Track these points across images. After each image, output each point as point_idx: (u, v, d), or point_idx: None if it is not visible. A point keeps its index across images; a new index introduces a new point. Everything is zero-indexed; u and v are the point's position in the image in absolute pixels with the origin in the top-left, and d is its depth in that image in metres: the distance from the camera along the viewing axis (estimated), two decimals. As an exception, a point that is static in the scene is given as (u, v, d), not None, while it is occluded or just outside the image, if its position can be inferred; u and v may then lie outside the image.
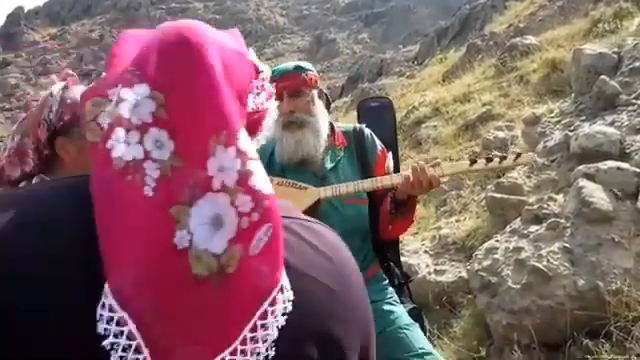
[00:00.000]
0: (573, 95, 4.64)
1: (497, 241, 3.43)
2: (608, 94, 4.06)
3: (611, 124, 3.78)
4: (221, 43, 0.71)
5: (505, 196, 3.87)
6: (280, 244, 0.65)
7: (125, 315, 0.57)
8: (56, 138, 1.51)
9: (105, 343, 0.56)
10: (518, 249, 3.17)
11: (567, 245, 3.00)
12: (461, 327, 3.65)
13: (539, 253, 3.04)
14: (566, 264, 2.93)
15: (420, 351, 2.00)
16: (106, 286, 0.58)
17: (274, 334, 0.62)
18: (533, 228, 3.28)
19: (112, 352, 0.56)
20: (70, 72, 1.61)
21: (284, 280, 0.64)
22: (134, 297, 0.57)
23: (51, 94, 1.53)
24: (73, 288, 0.59)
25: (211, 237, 0.60)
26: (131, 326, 0.57)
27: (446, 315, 3.93)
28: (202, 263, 0.59)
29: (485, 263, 3.28)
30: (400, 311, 2.14)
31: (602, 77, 4.15)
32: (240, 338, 0.61)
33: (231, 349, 0.60)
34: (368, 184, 2.04)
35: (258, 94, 0.78)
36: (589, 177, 3.29)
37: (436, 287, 4.09)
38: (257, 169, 0.65)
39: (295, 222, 0.73)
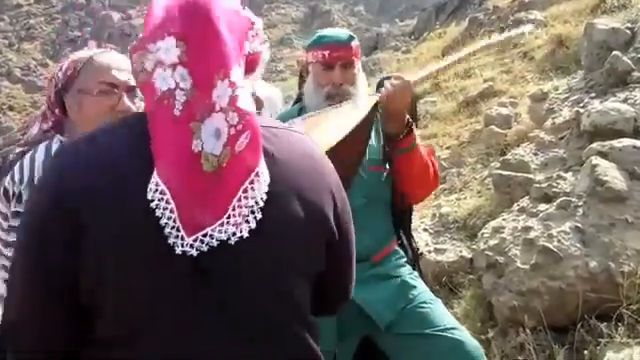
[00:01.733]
0: (583, 71, 4.48)
1: (504, 220, 3.30)
2: (620, 71, 3.92)
3: (624, 101, 3.63)
4: (222, 3, 0.98)
5: (512, 173, 3.73)
6: (258, 144, 0.94)
7: (165, 189, 0.87)
8: (64, 96, 1.53)
9: (155, 209, 0.88)
10: (527, 228, 3.04)
11: (579, 225, 2.88)
12: (463, 308, 3.53)
13: (549, 233, 2.92)
14: (577, 244, 2.81)
15: (446, 325, 1.91)
16: (155, 173, 0.88)
17: (256, 202, 0.92)
18: (542, 207, 3.15)
19: (157, 210, 0.88)
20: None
21: (261, 167, 0.93)
22: (169, 181, 0.87)
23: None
24: (135, 203, 0.89)
25: (214, 144, 0.90)
26: (168, 196, 0.87)
27: (446, 295, 3.80)
28: (209, 162, 0.89)
29: (492, 242, 3.16)
30: (422, 286, 2.04)
31: (615, 53, 4.00)
32: (231, 206, 0.90)
33: (227, 214, 0.90)
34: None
35: (253, 41, 1.03)
36: (602, 155, 3.15)
37: (436, 267, 3.96)
38: (242, 93, 0.94)
39: (272, 129, 1.03)
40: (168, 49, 0.92)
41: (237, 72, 0.94)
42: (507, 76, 6.50)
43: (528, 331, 2.74)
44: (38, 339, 0.94)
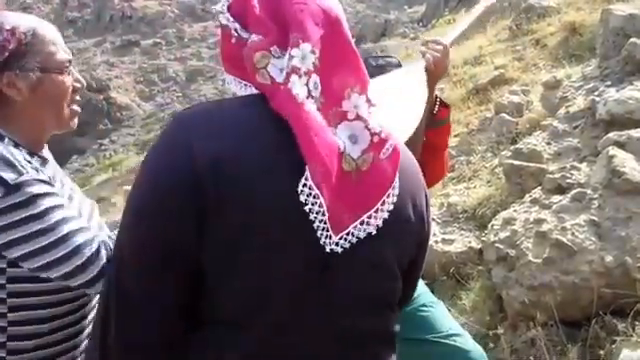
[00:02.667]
0: (597, 59, 4.35)
1: (515, 211, 3.20)
2: (638, 58, 3.78)
3: (642, 90, 3.51)
4: (341, 14, 1.00)
5: (524, 163, 3.62)
6: (398, 156, 0.97)
7: (319, 192, 0.88)
8: (1, 73, 1.24)
9: (306, 208, 0.89)
10: (539, 220, 2.94)
11: (594, 218, 2.78)
12: (471, 300, 3.45)
13: (563, 225, 2.82)
14: (592, 238, 2.71)
15: (449, 332, 1.80)
16: (307, 174, 0.88)
17: (389, 209, 0.95)
18: (556, 198, 3.05)
19: (310, 214, 0.89)
20: None
21: (397, 177, 0.97)
22: (320, 182, 0.89)
23: None
24: (278, 180, 0.90)
25: (351, 147, 0.93)
26: (322, 199, 0.89)
27: (454, 287, 3.72)
28: (348, 162, 0.92)
29: (502, 234, 3.06)
30: (422, 287, 1.91)
31: (632, 40, 3.86)
32: (374, 209, 0.94)
33: (368, 214, 0.93)
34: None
35: None
36: (619, 145, 3.05)
37: (443, 257, 3.87)
38: (375, 112, 0.97)
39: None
40: (305, 56, 0.93)
41: (372, 91, 0.98)
42: (519, 64, 6.37)
43: (539, 326, 2.65)
44: (148, 306, 0.92)
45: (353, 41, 1.00)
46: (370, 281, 0.98)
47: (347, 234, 0.92)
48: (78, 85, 1.36)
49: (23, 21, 1.28)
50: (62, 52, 1.32)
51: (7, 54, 1.24)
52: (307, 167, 0.89)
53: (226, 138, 0.90)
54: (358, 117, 0.94)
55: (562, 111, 4.02)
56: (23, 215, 1.12)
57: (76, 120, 1.37)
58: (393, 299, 1.05)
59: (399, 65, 2.20)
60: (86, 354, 1.03)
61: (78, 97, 1.37)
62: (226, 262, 0.89)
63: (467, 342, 1.81)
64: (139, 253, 0.91)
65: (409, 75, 1.81)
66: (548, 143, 3.83)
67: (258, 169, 0.89)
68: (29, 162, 1.20)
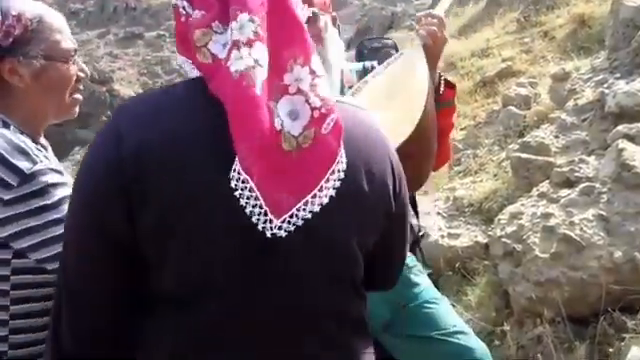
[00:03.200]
0: (607, 50, 4.27)
1: (522, 205, 3.14)
2: (649, 50, 3.71)
3: (652, 82, 3.44)
4: None
5: (531, 156, 3.56)
6: (341, 129, 0.92)
7: (248, 177, 0.85)
8: (3, 59, 1.22)
9: (236, 194, 0.85)
10: (547, 215, 2.89)
11: (603, 212, 2.72)
12: (477, 295, 3.40)
13: (571, 220, 2.76)
14: (601, 233, 2.66)
15: (452, 329, 1.74)
16: (237, 159, 0.86)
17: (336, 185, 0.91)
18: (564, 192, 2.99)
19: (241, 200, 0.85)
20: None
21: (342, 150, 0.92)
22: (251, 166, 0.85)
23: None
24: (209, 166, 0.88)
25: (291, 124, 0.88)
26: (252, 184, 0.86)
27: (459, 282, 3.67)
28: (287, 141, 0.88)
29: (509, 229, 3.00)
30: (426, 283, 1.86)
31: (643, 31, 3.80)
32: (318, 187, 0.89)
33: (312, 193, 0.89)
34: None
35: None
36: (629, 138, 2.99)
37: (449, 252, 3.82)
38: (320, 82, 0.92)
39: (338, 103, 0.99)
40: (243, 26, 0.89)
41: (317, 61, 0.93)
42: (527, 56, 6.28)
43: (546, 323, 2.60)
44: (90, 289, 0.93)
45: (300, 16, 0.95)
46: (323, 261, 0.94)
47: (291, 216, 0.88)
48: (82, 75, 1.35)
49: (30, 7, 1.26)
50: (68, 41, 1.31)
51: (11, 40, 1.22)
52: (237, 152, 0.86)
53: (156, 124, 0.90)
54: (299, 91, 0.90)
55: (570, 104, 3.95)
56: (39, 204, 1.12)
57: (77, 109, 1.36)
58: (352, 278, 1.00)
59: (395, 47, 2.15)
60: (45, 343, 1.01)
61: (81, 86, 1.36)
62: (158, 248, 0.89)
63: (471, 340, 1.76)
64: (79, 238, 0.92)
65: (407, 64, 1.72)
66: (556, 136, 3.77)
67: (187, 155, 0.88)
68: (39, 150, 1.20)
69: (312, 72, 0.91)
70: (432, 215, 4.27)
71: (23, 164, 1.12)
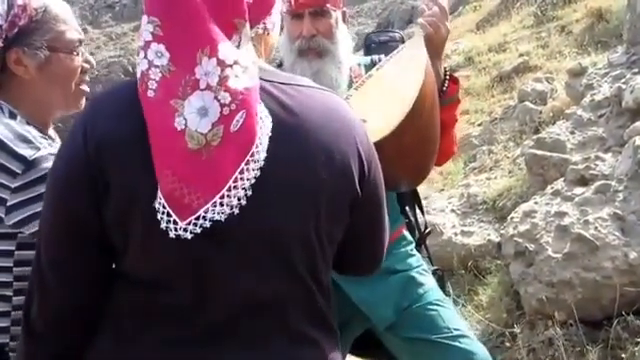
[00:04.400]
0: (624, 45, 4.16)
1: (536, 203, 3.06)
2: (668, 44, 3.61)
3: (672, 77, 3.34)
4: None
5: (546, 153, 3.47)
6: (253, 124, 0.89)
7: (157, 180, 0.87)
8: (9, 49, 1.22)
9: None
10: (561, 214, 2.81)
11: (618, 211, 2.64)
12: (488, 295, 3.33)
13: (585, 219, 2.68)
14: (616, 233, 2.58)
15: (455, 332, 1.69)
16: (155, 164, 0.88)
17: (250, 181, 0.89)
18: (579, 190, 2.91)
19: (155, 202, 0.87)
20: None
21: (256, 147, 0.89)
22: (162, 168, 0.87)
23: None
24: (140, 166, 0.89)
25: (199, 121, 0.87)
26: (158, 188, 0.87)
27: (471, 281, 3.61)
28: (194, 140, 0.86)
29: (522, 228, 2.93)
30: (431, 283, 1.81)
31: (662, 24, 3.69)
32: (226, 187, 0.87)
33: (220, 194, 0.87)
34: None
35: None
36: (646, 135, 2.89)
37: (462, 250, 3.76)
38: (231, 73, 0.89)
39: (292, 85, 0.99)
40: (142, 29, 0.90)
41: (227, 48, 0.90)
42: (543, 51, 6.18)
43: (558, 326, 2.53)
44: (62, 277, 0.95)
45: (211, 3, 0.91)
46: (267, 251, 0.94)
47: (197, 218, 0.87)
48: (87, 66, 1.35)
49: None
50: (73, 31, 1.31)
51: (17, 30, 1.22)
52: (153, 156, 0.87)
53: (110, 121, 0.92)
54: (208, 86, 0.87)
55: (587, 99, 3.86)
56: (44, 189, 1.13)
57: (83, 101, 1.36)
58: (309, 268, 0.98)
59: (402, 39, 2.10)
60: (21, 329, 1.03)
61: (87, 77, 1.37)
62: (120, 237, 0.92)
63: (473, 344, 1.70)
64: (51, 225, 0.95)
65: (406, 55, 1.67)
66: (572, 132, 3.68)
67: (128, 155, 0.90)
68: (44, 138, 1.22)
69: (220, 63, 0.88)
70: (446, 212, 4.21)
71: (26, 151, 1.14)
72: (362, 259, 1.17)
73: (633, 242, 2.52)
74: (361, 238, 1.09)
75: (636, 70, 3.75)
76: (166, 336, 0.94)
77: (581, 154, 3.36)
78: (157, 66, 0.88)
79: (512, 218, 3.09)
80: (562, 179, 3.14)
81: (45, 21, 1.25)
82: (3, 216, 1.15)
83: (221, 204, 0.87)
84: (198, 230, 0.87)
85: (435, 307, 1.75)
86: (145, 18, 0.90)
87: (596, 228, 2.61)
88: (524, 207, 3.10)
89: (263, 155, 0.90)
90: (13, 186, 1.14)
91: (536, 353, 2.64)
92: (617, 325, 2.44)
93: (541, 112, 4.66)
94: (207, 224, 0.87)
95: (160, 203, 0.87)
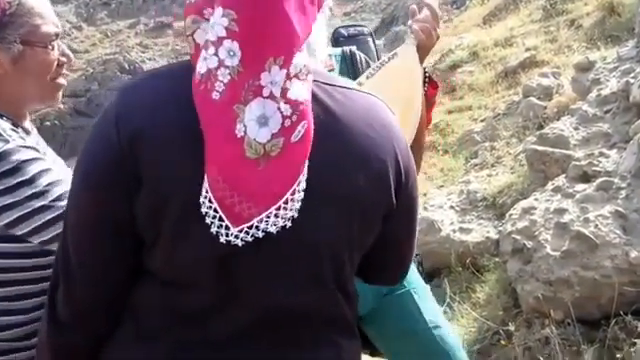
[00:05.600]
0: (636, 39, 4.06)
1: (536, 200, 2.98)
2: (679, 38, 3.51)
3: (681, 72, 3.24)
4: None
5: (549, 149, 3.38)
6: (310, 134, 0.87)
7: (208, 187, 0.84)
8: None
9: (201, 197, 0.84)
10: (560, 210, 2.72)
11: (620, 209, 2.55)
12: (485, 293, 3.25)
13: (585, 216, 2.60)
14: (617, 231, 2.49)
15: (430, 323, 1.71)
16: (206, 167, 0.85)
17: (301, 196, 0.87)
18: (580, 187, 2.82)
19: (202, 207, 0.84)
20: None
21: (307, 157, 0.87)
22: (217, 173, 0.84)
23: None
24: (186, 164, 0.86)
25: (258, 130, 0.84)
26: (210, 194, 0.84)
27: (469, 278, 3.53)
28: (252, 149, 0.84)
29: (520, 224, 2.84)
30: (411, 271, 1.79)
31: (672, 18, 3.59)
32: (283, 199, 0.85)
33: (277, 206, 0.85)
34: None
35: None
36: (652, 131, 2.80)
37: (460, 247, 3.68)
38: (294, 85, 0.86)
39: (340, 88, 0.96)
40: (215, 22, 0.84)
41: (300, 58, 0.86)
42: (552, 45, 6.07)
43: (554, 325, 2.45)
44: (90, 276, 0.94)
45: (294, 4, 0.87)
46: (302, 262, 0.91)
47: (250, 227, 0.85)
48: (64, 59, 1.34)
49: None
50: (50, 25, 1.29)
51: None
52: (206, 158, 0.84)
53: (146, 111, 0.88)
54: (272, 95, 0.84)
55: (593, 94, 3.76)
56: (14, 182, 1.14)
57: (60, 94, 1.37)
58: (336, 279, 0.96)
59: (370, 34, 2.12)
60: (41, 324, 1.02)
61: (64, 71, 1.36)
62: (151, 231, 0.90)
63: (447, 335, 1.72)
64: (80, 217, 0.92)
65: (402, 66, 1.66)
66: (576, 128, 3.59)
67: (166, 150, 0.86)
68: (14, 131, 1.21)
69: (288, 75, 0.85)
70: (445, 209, 4.13)
71: None
72: (389, 268, 1.15)
73: (635, 241, 2.43)
74: (389, 247, 1.06)
75: (645, 65, 3.65)
76: (186, 338, 0.92)
77: (584, 150, 3.27)
78: (227, 67, 0.83)
79: (511, 215, 3.01)
80: (563, 175, 3.05)
81: (19, 14, 1.24)
82: None
83: (276, 215, 0.85)
84: (250, 239, 0.85)
85: (413, 295, 1.76)
86: (220, 10, 0.84)
87: (596, 226, 2.52)
88: (523, 204, 3.02)
89: (305, 175, 0.88)
90: None
91: (532, 352, 2.56)
92: (615, 325, 2.35)
93: (546, 108, 4.57)
94: (259, 234, 0.85)
95: (212, 207, 0.84)
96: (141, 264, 0.94)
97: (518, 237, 2.80)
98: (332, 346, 0.98)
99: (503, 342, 2.73)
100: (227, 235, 0.85)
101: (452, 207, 4.13)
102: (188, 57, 0.91)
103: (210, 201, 0.84)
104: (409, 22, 1.68)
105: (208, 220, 0.84)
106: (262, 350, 0.93)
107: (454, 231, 3.85)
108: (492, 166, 4.54)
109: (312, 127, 0.87)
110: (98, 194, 0.90)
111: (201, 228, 0.85)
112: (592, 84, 3.97)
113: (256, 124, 0.84)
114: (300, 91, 0.86)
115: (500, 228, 3.26)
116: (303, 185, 0.86)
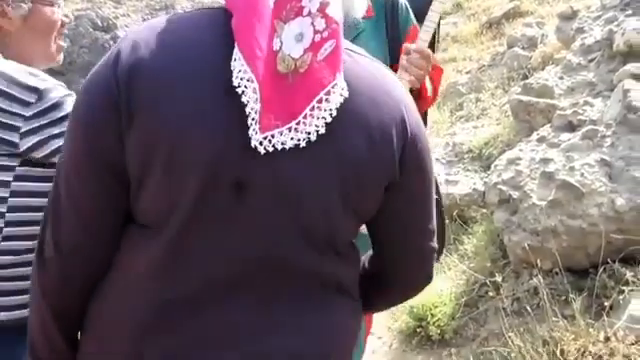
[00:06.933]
0: (619, -14, 4.00)
1: (521, 150, 2.97)
2: (664, -17, 3.46)
3: (665, 18, 3.21)
4: None
5: (533, 99, 3.36)
6: (339, 56, 0.88)
7: (253, 76, 0.84)
8: None
9: (238, 90, 0.84)
10: (546, 160, 2.72)
11: (606, 157, 2.55)
12: (473, 245, 3.27)
13: (571, 165, 2.60)
14: (603, 179, 2.49)
15: None
16: (242, 58, 0.85)
17: (327, 115, 0.86)
18: (565, 136, 2.81)
19: (243, 97, 0.84)
20: None
21: (339, 80, 0.87)
22: (256, 74, 0.84)
23: None
24: (197, 86, 0.86)
25: (293, 46, 0.86)
26: (256, 84, 0.84)
27: (456, 230, 3.55)
28: (284, 63, 0.86)
29: (506, 175, 2.84)
30: None
31: (658, -37, 3.53)
32: (302, 114, 0.86)
33: (297, 121, 0.86)
34: None
35: None
36: (636, 78, 2.78)
37: (447, 199, 3.69)
38: (332, 3, 0.88)
39: (353, 52, 0.95)
40: None
41: None
42: (535, -5, 5.98)
43: (542, 274, 2.47)
44: (81, 217, 0.93)
45: None
46: (292, 213, 0.89)
47: (272, 136, 0.85)
48: (66, 20, 1.40)
49: None
50: None
51: None
52: (241, 54, 0.85)
53: (156, 48, 0.87)
54: (309, 13, 0.87)
55: (577, 43, 3.73)
56: (58, 115, 1.22)
57: (61, 56, 1.42)
58: (328, 237, 0.93)
59: None
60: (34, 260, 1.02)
61: (65, 31, 1.43)
62: (143, 167, 0.88)
63: None
64: (72, 154, 0.92)
65: None
66: (561, 78, 3.57)
67: (176, 78, 0.86)
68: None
69: None
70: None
71: (37, 83, 1.21)
72: (408, 265, 1.05)
73: (620, 188, 2.44)
74: (400, 218, 0.99)
75: (629, 12, 3.61)
76: (168, 289, 0.91)
77: (569, 99, 3.26)
78: None
79: (496, 165, 3.01)
80: (549, 125, 3.04)
81: None
82: (18, 141, 1.21)
83: (296, 130, 0.86)
84: (270, 148, 0.85)
85: None
86: None
87: (582, 174, 2.53)
88: (508, 154, 3.01)
89: (343, 95, 0.87)
90: (27, 114, 1.21)
91: (520, 302, 2.59)
92: (603, 273, 2.37)
93: (530, 58, 4.53)
94: (279, 145, 0.85)
95: (253, 115, 0.84)
96: (127, 220, 0.94)
97: (504, 188, 2.80)
98: (317, 304, 0.95)
99: (491, 294, 2.75)
100: (256, 139, 0.85)
101: (438, 159, 4.13)
102: (162, 12, 0.89)
103: (255, 102, 0.84)
104: (404, 63, 1.66)
105: (249, 120, 0.84)
106: (243, 304, 0.90)
107: (440, 183, 3.84)
108: (478, 118, 4.53)
109: (341, 53, 0.88)
110: (87, 129, 0.89)
111: (212, 135, 0.85)
112: (576, 33, 3.94)
113: (293, 40, 0.86)
114: (337, 11, 0.88)
115: (486, 179, 3.25)
116: (332, 105, 0.86)
